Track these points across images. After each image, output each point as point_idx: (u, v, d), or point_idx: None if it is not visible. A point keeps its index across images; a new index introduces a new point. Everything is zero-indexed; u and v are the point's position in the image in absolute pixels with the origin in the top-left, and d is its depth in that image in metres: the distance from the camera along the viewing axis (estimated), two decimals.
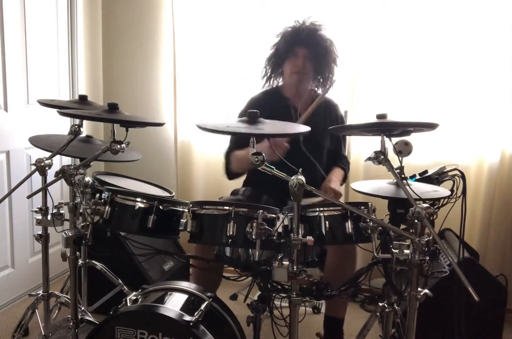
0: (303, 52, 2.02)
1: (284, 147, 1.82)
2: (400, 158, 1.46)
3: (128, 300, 1.49)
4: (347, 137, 2.40)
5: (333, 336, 1.97)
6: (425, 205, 1.25)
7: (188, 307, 1.49)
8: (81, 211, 1.51)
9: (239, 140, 2.02)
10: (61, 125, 2.37)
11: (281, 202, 1.81)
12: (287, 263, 1.29)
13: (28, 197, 1.66)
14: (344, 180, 2.21)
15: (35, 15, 2.51)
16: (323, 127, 2.03)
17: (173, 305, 1.48)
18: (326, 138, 2.15)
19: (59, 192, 2.76)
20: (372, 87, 2.63)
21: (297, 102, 2.10)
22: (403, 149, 1.54)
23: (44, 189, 1.66)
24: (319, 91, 2.15)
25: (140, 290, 1.58)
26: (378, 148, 1.39)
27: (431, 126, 1.40)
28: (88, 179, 1.57)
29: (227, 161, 2.11)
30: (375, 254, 1.38)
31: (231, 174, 2.12)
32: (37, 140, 1.88)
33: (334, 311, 1.99)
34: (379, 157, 1.37)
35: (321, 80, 2.11)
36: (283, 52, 2.06)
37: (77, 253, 1.53)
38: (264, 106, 1.89)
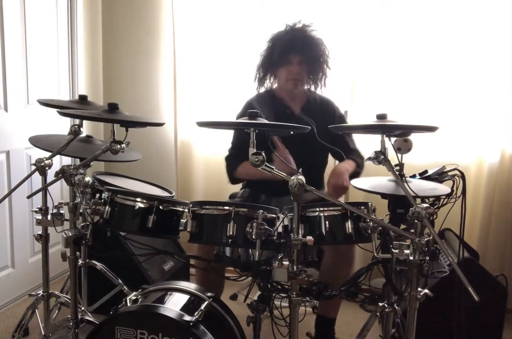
0: (298, 59, 2.02)
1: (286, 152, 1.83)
2: (399, 155, 1.46)
3: (128, 300, 1.49)
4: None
5: (324, 335, 1.96)
6: (425, 205, 1.25)
7: (188, 307, 1.49)
8: (81, 211, 1.52)
9: (242, 145, 2.01)
10: (61, 125, 2.36)
11: (280, 202, 1.81)
12: (287, 263, 1.29)
13: (28, 197, 1.67)
14: (356, 174, 2.04)
15: (35, 15, 2.51)
16: (321, 125, 2.02)
17: (173, 305, 1.48)
18: (325, 136, 2.14)
19: (59, 192, 2.76)
20: (372, 87, 2.63)
21: (291, 102, 2.14)
22: (402, 146, 1.53)
23: (44, 189, 1.66)
24: (316, 90, 2.16)
25: (140, 290, 1.59)
26: (378, 148, 1.39)
27: (431, 129, 1.39)
28: (88, 179, 1.57)
29: (229, 166, 2.12)
30: (375, 254, 1.38)
31: (233, 179, 2.12)
32: (37, 140, 1.88)
33: (326, 311, 1.98)
34: (379, 157, 1.37)
35: (314, 79, 2.12)
36: (277, 59, 2.04)
37: (77, 253, 1.53)
38: (260, 108, 1.91)
